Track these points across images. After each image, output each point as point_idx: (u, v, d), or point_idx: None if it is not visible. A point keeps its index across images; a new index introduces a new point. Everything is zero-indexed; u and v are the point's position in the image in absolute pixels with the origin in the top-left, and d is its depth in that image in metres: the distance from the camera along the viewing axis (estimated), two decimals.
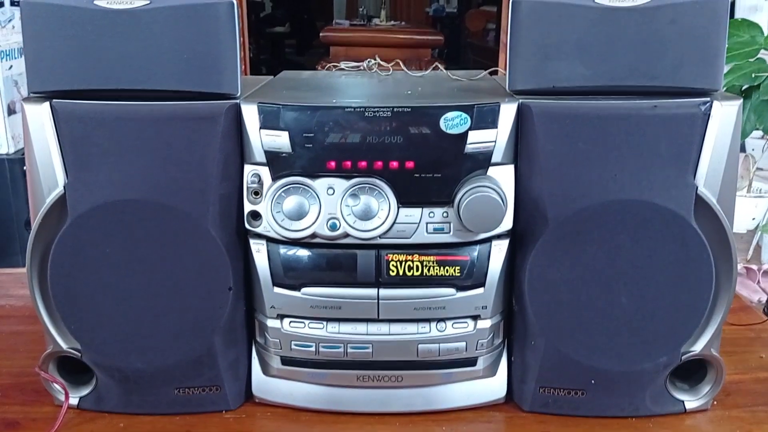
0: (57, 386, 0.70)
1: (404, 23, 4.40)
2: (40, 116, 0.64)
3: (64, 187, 0.64)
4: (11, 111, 1.91)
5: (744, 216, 2.14)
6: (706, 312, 0.66)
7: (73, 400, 0.70)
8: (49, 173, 0.64)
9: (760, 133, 2.22)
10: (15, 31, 1.92)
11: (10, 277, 1.02)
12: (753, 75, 1.78)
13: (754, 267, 1.84)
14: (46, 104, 0.63)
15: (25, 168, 0.67)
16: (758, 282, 1.83)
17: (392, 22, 4.19)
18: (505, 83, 0.68)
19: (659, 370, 0.68)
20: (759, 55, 1.85)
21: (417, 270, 0.66)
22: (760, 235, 2.22)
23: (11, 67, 1.91)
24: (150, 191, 0.64)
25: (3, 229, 1.90)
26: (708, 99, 0.63)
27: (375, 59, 0.85)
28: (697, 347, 0.68)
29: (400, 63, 0.84)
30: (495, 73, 0.87)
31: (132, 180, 0.64)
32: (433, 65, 0.81)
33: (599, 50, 0.64)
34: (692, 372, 0.71)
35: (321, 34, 3.56)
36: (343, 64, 0.89)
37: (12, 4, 1.91)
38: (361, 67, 0.87)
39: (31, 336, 0.84)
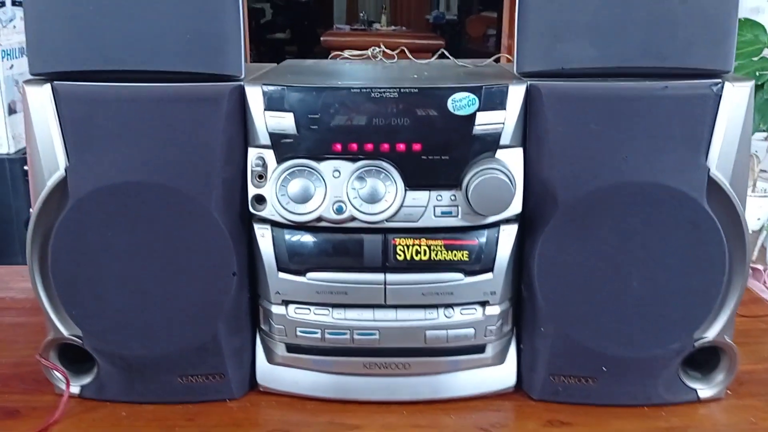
0: (58, 374, 0.68)
1: (405, 28, 4.40)
2: (41, 98, 0.63)
3: (66, 170, 0.63)
4: (12, 110, 1.90)
5: (749, 216, 2.12)
6: (719, 297, 0.65)
7: (75, 389, 0.69)
8: (50, 156, 0.63)
9: (763, 134, 2.21)
10: (16, 31, 1.91)
11: (10, 270, 1.01)
12: (757, 73, 1.77)
13: (760, 267, 1.82)
14: (47, 86, 0.62)
15: (26, 168, 0.66)
16: (765, 282, 1.82)
17: (393, 27, 4.19)
18: (513, 68, 0.67)
19: (672, 357, 0.67)
20: (762, 54, 1.84)
21: (424, 254, 0.65)
22: (766, 236, 2.20)
23: (12, 66, 1.90)
24: (152, 174, 0.62)
25: (3, 229, 1.89)
26: (719, 80, 0.62)
27: (380, 47, 0.84)
28: (710, 334, 0.67)
29: (406, 50, 0.83)
30: (498, 60, 0.86)
31: (134, 162, 0.62)
32: (439, 52, 0.80)
33: (609, 31, 0.63)
34: (705, 361, 0.69)
35: (322, 38, 3.57)
36: (347, 53, 0.88)
37: (13, 3, 1.91)
38: (366, 56, 0.86)
39: (31, 327, 0.83)
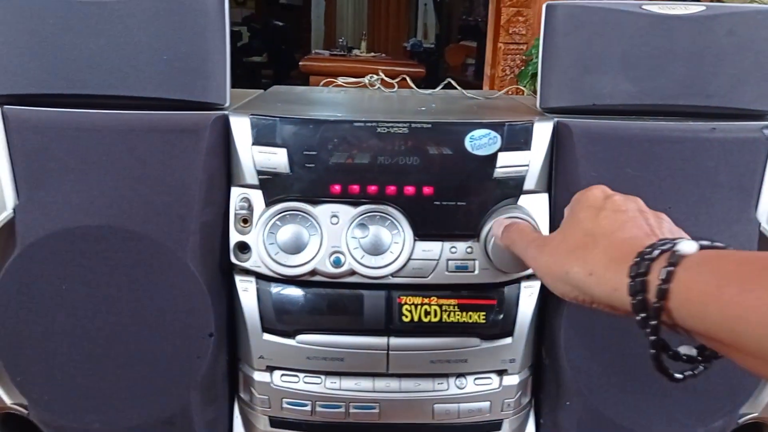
0: None
1: (384, 55, 4.35)
2: None
3: (14, 209, 0.54)
4: None
5: None
6: None
7: None
8: None
9: None
10: None
11: None
12: None
13: None
14: None
15: None
16: None
17: (372, 54, 4.14)
18: (532, 101, 0.59)
19: None
20: None
21: (435, 315, 0.56)
22: None
23: None
24: (118, 216, 0.53)
25: None
26: None
27: (379, 74, 0.75)
28: (756, 409, 0.59)
29: (407, 79, 0.75)
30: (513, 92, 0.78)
31: (96, 202, 0.53)
32: (445, 81, 0.72)
33: (647, 64, 0.56)
34: None
35: (301, 63, 3.48)
36: (341, 80, 0.79)
37: None
38: (362, 83, 0.78)
39: None
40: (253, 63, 5.97)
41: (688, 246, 0.34)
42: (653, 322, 0.34)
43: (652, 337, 0.35)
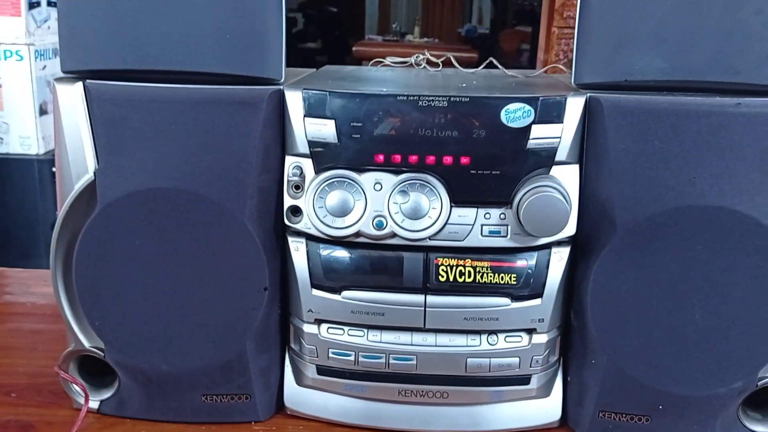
0: (77, 388, 0.65)
1: (437, 41, 4.37)
2: (72, 97, 0.60)
3: (95, 173, 0.60)
4: (43, 111, 1.90)
5: None
6: None
7: (94, 404, 0.66)
8: (79, 158, 0.60)
9: None
10: (50, 32, 1.91)
11: (33, 274, 0.98)
12: None
13: None
14: (79, 84, 0.60)
15: (54, 169, 0.63)
16: None
17: (425, 39, 4.17)
18: (568, 79, 0.63)
19: (733, 397, 0.61)
20: None
21: (469, 276, 0.60)
22: None
23: (45, 67, 1.90)
24: (184, 180, 0.59)
25: (29, 231, 1.88)
26: None
27: (424, 53, 0.80)
28: None
29: (452, 58, 0.79)
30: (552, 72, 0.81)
31: (166, 167, 0.59)
32: (487, 61, 0.76)
33: (678, 40, 0.58)
34: (764, 400, 0.64)
35: (354, 48, 3.55)
36: (388, 60, 0.84)
37: (48, 4, 1.90)
38: (409, 63, 0.83)
39: (51, 335, 0.80)
40: (308, 49, 6.06)
41: None
42: None
43: None
